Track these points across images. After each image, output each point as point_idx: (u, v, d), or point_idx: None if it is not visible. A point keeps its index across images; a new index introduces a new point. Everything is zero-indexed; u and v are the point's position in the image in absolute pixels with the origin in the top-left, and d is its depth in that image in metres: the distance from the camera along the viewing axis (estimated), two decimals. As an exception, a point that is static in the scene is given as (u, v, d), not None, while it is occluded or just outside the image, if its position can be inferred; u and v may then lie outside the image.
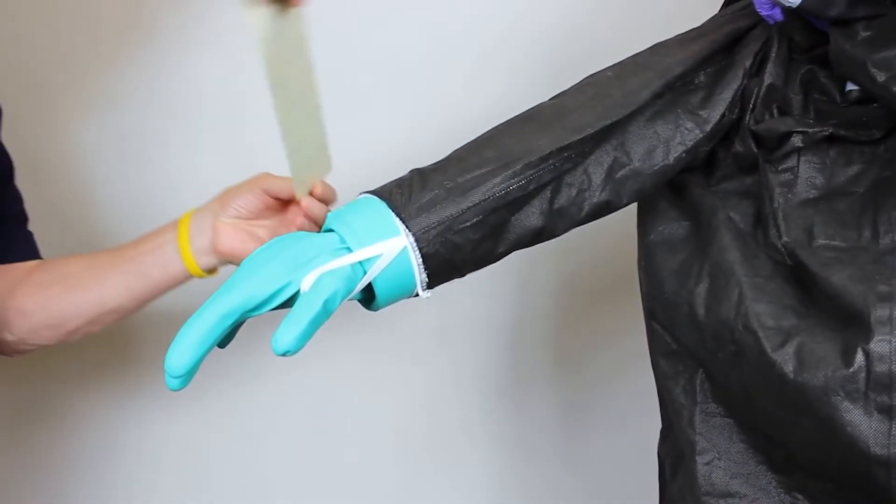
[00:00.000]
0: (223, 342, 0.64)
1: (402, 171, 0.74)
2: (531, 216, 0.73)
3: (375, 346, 1.26)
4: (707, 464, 0.75)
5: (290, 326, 0.58)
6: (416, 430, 1.34)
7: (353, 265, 0.64)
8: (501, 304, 1.31)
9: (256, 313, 0.61)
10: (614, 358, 1.35)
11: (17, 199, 0.89)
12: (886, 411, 0.62)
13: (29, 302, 0.83)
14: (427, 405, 1.33)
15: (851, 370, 0.63)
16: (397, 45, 1.17)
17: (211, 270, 0.81)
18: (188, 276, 0.81)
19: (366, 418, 1.31)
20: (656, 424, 0.84)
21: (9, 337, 0.84)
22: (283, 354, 0.57)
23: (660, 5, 1.16)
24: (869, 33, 0.65)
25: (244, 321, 0.63)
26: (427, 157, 0.75)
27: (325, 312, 0.60)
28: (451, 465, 1.37)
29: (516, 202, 0.71)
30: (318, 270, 0.62)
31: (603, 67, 0.79)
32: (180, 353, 0.57)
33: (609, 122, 0.73)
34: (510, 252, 0.74)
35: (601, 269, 1.31)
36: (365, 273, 0.65)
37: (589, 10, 1.20)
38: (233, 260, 0.78)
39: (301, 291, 0.62)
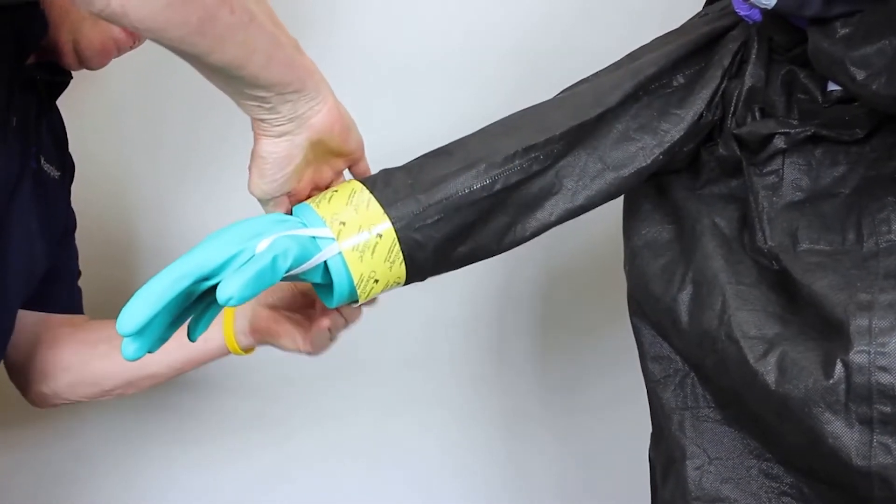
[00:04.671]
0: (192, 330, 0.65)
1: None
2: (499, 218, 0.72)
3: (362, 340, 1.26)
4: (697, 468, 0.74)
5: (237, 275, 0.59)
6: (396, 432, 1.34)
7: (310, 239, 0.65)
8: (485, 304, 1.31)
9: (213, 281, 0.62)
10: (603, 356, 1.33)
11: (74, 255, 0.94)
12: (867, 423, 0.61)
13: (73, 358, 0.87)
14: (407, 408, 1.33)
15: (832, 382, 0.61)
16: (408, 49, 1.17)
17: (248, 350, 0.88)
18: (226, 352, 0.87)
19: (348, 414, 1.32)
20: (647, 425, 0.83)
21: (45, 389, 0.89)
22: (226, 303, 0.59)
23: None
24: (847, 31, 0.63)
25: (212, 307, 0.65)
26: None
27: (274, 269, 0.61)
28: (437, 466, 1.36)
29: (482, 202, 0.70)
30: (274, 236, 0.63)
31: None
32: (130, 312, 0.58)
33: (577, 122, 0.72)
34: (479, 258, 0.73)
35: (589, 265, 1.29)
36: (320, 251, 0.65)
37: (599, 19, 1.20)
38: (268, 340, 0.85)
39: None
